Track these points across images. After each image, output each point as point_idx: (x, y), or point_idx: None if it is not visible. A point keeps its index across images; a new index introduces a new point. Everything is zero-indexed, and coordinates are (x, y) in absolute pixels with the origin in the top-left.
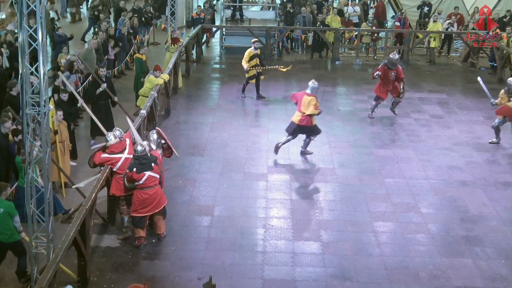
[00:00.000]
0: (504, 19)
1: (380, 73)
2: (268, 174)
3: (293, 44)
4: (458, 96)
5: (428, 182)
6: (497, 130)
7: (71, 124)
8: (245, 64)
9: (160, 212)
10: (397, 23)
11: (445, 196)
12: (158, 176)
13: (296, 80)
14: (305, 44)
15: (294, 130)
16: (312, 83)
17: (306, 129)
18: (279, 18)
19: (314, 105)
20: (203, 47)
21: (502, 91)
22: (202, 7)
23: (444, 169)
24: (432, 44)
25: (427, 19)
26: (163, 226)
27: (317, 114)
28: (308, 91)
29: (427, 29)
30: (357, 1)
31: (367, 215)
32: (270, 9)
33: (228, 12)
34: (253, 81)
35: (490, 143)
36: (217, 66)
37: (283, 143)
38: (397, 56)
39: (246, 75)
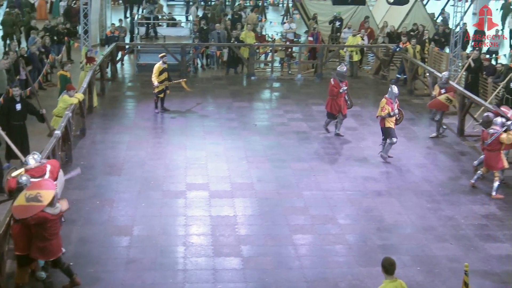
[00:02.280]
0: (412, 33)
1: (346, 87)
2: (187, 192)
3: (208, 60)
4: (371, 108)
5: (344, 194)
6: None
7: None
8: (155, 80)
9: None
10: (310, 38)
11: (361, 206)
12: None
13: (212, 97)
14: (220, 60)
15: (382, 133)
16: (390, 87)
17: (382, 130)
18: (193, 34)
19: (381, 107)
20: (118, 65)
21: (437, 84)
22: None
23: (359, 180)
24: (355, 58)
25: (339, 34)
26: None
27: (385, 116)
28: (386, 95)
29: (346, 43)
30: (293, 18)
31: (286, 228)
32: (184, 26)
33: (142, 30)
34: (162, 95)
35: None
36: (132, 84)
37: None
38: (345, 68)
39: (155, 90)
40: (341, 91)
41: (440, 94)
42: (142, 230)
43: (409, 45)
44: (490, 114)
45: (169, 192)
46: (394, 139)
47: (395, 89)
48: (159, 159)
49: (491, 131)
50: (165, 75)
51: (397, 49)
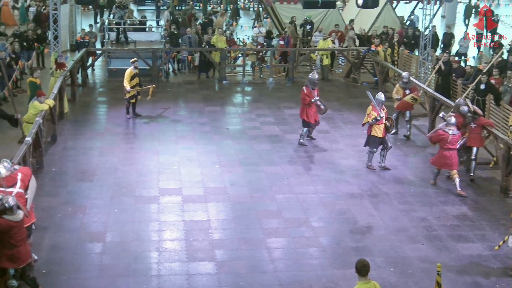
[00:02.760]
0: (382, 36)
1: (318, 97)
2: (159, 197)
3: (180, 65)
4: (343, 111)
5: (317, 196)
6: (395, 121)
7: None
8: (127, 85)
9: None
10: (281, 42)
11: (334, 209)
12: None
13: (184, 101)
14: (191, 64)
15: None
16: (376, 94)
17: (366, 138)
18: (164, 39)
19: (368, 114)
20: (89, 70)
21: (397, 85)
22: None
23: (332, 183)
24: (325, 62)
25: (309, 37)
26: None
27: (372, 122)
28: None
29: (317, 47)
30: (263, 23)
31: (260, 232)
32: (155, 31)
33: (113, 35)
34: (133, 100)
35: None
36: (103, 89)
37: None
38: (316, 75)
39: (127, 95)
40: (312, 100)
41: (405, 95)
42: (115, 236)
43: (380, 48)
44: (461, 100)
45: (141, 197)
46: (374, 149)
47: (381, 96)
48: (131, 164)
49: (450, 132)
50: (136, 80)
51: (369, 52)
